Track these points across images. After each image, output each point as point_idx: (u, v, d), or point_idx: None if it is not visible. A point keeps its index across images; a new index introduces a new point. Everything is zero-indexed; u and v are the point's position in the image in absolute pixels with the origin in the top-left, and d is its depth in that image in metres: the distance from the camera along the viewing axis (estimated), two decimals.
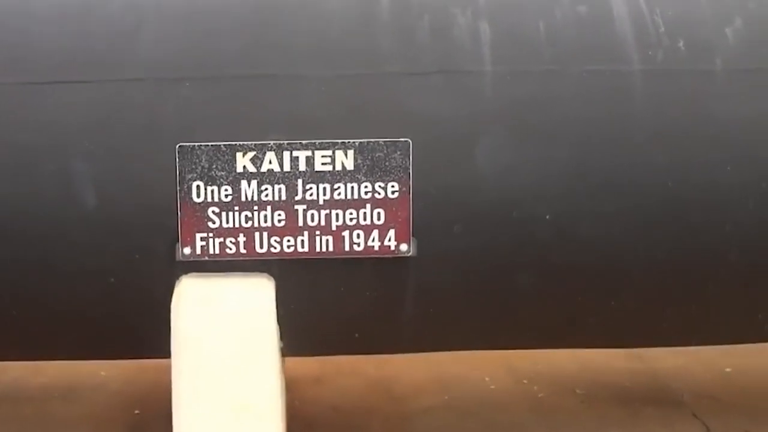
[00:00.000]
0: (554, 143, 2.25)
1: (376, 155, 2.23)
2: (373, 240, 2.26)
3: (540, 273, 2.33)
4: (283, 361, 2.85)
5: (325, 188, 2.23)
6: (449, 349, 2.98)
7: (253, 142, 2.20)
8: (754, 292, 2.46)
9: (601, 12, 2.36)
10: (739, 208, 2.30)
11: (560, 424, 3.57)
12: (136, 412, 3.58)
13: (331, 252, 2.25)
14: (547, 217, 2.26)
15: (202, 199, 2.22)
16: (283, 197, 2.23)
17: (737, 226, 2.31)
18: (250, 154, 2.21)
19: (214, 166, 2.21)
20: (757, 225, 2.31)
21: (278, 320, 2.39)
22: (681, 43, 2.32)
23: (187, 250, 2.23)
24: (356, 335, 2.53)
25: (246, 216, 2.23)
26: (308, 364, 4.19)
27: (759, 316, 2.55)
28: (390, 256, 2.26)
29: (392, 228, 2.25)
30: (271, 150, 2.21)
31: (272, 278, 2.30)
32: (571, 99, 2.27)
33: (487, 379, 4.10)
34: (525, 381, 4.06)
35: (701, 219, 2.29)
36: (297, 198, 2.23)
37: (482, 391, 3.97)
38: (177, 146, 2.19)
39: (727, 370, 4.18)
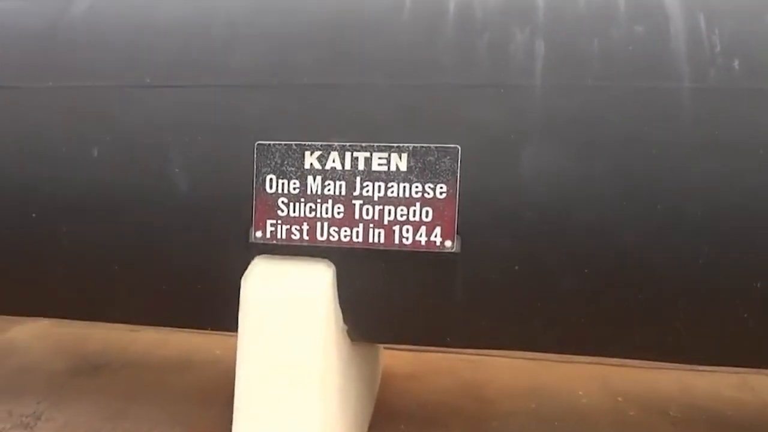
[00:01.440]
0: (597, 155, 2.35)
1: (428, 159, 2.45)
2: (420, 235, 2.47)
3: (578, 277, 2.43)
4: (376, 351, 3.12)
5: (380, 186, 2.48)
6: (495, 348, 3.10)
7: (320, 143, 2.50)
8: None
9: (657, 30, 2.43)
10: None
11: None
12: None
13: (382, 244, 2.50)
14: (587, 224, 2.37)
15: (273, 190, 2.54)
16: (343, 192, 2.51)
17: None
18: (317, 153, 2.51)
19: (285, 162, 2.53)
20: None
21: (340, 304, 2.68)
22: (736, 63, 2.34)
23: (258, 234, 2.56)
24: (407, 326, 2.74)
25: (310, 207, 2.53)
26: (406, 362, 4.46)
27: None
28: (436, 251, 2.47)
29: (439, 225, 2.46)
30: (335, 150, 2.50)
31: (332, 264, 2.58)
32: (618, 114, 2.36)
33: (580, 392, 4.15)
34: (619, 398, 4.07)
35: (742, 237, 2.29)
36: (355, 194, 2.50)
37: (571, 402, 4.02)
38: (256, 144, 2.53)
39: None
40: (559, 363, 4.44)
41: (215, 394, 3.84)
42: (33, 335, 4.78)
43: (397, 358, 4.48)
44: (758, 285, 2.32)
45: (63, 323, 4.81)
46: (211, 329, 2.97)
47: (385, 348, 4.42)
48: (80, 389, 3.96)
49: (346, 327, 2.81)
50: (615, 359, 4.25)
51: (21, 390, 3.90)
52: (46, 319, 4.78)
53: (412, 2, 2.65)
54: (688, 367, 4.33)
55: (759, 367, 2.93)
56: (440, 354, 4.55)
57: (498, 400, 4.04)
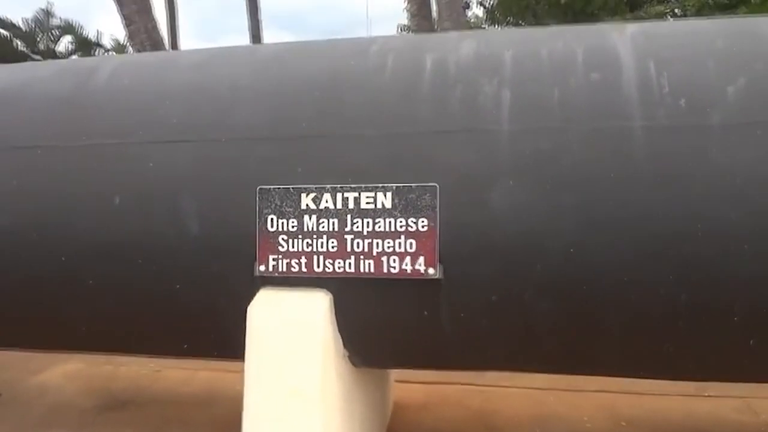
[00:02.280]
0: (561, 190, 2.63)
1: (410, 197, 2.75)
2: (406, 264, 2.76)
3: (551, 298, 2.68)
4: (385, 381, 3.35)
5: (368, 222, 2.79)
6: (483, 369, 3.34)
7: (314, 186, 2.82)
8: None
9: (611, 76, 2.73)
10: (737, 246, 2.52)
11: None
12: None
13: (372, 273, 2.78)
14: (556, 252, 2.63)
15: (274, 228, 2.85)
16: (336, 228, 2.81)
17: (737, 262, 2.52)
18: (312, 195, 2.82)
19: (284, 204, 2.84)
20: (757, 262, 2.51)
21: (339, 330, 2.96)
22: (682, 101, 2.62)
23: (262, 268, 2.87)
24: (401, 349, 3.00)
25: (307, 242, 2.84)
26: (418, 393, 4.69)
27: None
28: (420, 278, 2.75)
29: (422, 255, 2.74)
30: (327, 192, 2.81)
31: (329, 293, 2.87)
32: (577, 152, 2.64)
33: (585, 418, 4.36)
34: (623, 423, 4.26)
35: (697, 259, 2.54)
36: (346, 229, 2.80)
37: (576, 428, 4.23)
38: (258, 188, 2.85)
39: None
40: (568, 392, 4.65)
41: (235, 426, 4.10)
42: (65, 376, 5.11)
43: (409, 390, 4.71)
44: (718, 304, 2.55)
45: (93, 364, 5.15)
46: (224, 358, 3.24)
47: (397, 381, 4.68)
48: (109, 424, 4.26)
49: (346, 352, 3.09)
50: (622, 388, 4.51)
51: (54, 425, 4.21)
52: (77, 360, 5.12)
53: (393, 62, 2.99)
54: (693, 392, 4.52)
55: (720, 380, 3.13)
56: (451, 385, 4.78)
57: (506, 427, 4.25)
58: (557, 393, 4.58)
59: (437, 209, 2.72)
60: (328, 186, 2.81)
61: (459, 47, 3.00)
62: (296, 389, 2.81)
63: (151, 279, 2.96)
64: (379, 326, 2.93)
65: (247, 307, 2.86)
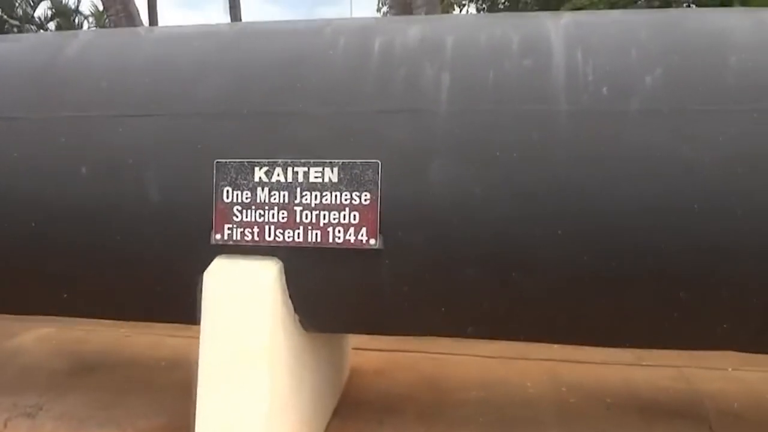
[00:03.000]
0: (492, 166, 2.86)
1: (354, 172, 2.96)
2: (350, 235, 2.98)
3: (483, 267, 2.92)
4: (341, 348, 3.59)
5: (316, 195, 3.00)
6: (422, 334, 3.59)
7: (267, 160, 3.02)
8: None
9: (542, 63, 2.95)
10: (651, 220, 2.76)
11: (574, 424, 4.04)
12: None
13: (319, 242, 3.01)
14: (487, 224, 2.87)
15: (230, 200, 3.06)
16: (286, 201, 3.03)
17: (650, 235, 2.77)
18: (264, 169, 3.03)
19: (239, 177, 3.05)
20: (668, 235, 2.76)
21: (291, 296, 3.19)
22: (604, 89, 2.85)
23: (218, 237, 3.08)
24: (347, 314, 3.24)
25: (259, 213, 3.05)
26: (374, 360, 4.95)
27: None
28: (362, 247, 2.97)
29: (364, 227, 2.97)
30: (279, 166, 3.02)
31: (279, 261, 3.09)
32: (507, 132, 2.86)
33: (528, 383, 4.64)
34: (564, 388, 4.55)
35: (615, 235, 2.78)
36: (296, 202, 3.02)
37: (519, 392, 4.51)
38: (215, 162, 3.05)
39: None
40: (515, 360, 4.93)
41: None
42: (37, 339, 5.32)
43: (366, 357, 4.97)
44: (632, 273, 2.80)
45: (65, 329, 5.35)
46: (183, 322, 3.45)
47: (355, 348, 4.93)
48: (77, 385, 4.47)
49: (297, 317, 3.31)
50: (567, 356, 4.79)
51: (25, 386, 4.42)
52: (50, 325, 5.32)
53: (345, 43, 3.19)
54: (632, 361, 4.81)
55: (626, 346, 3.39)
56: (406, 353, 5.04)
57: (453, 390, 4.52)
58: (505, 360, 4.86)
59: (379, 184, 2.94)
60: (280, 160, 3.02)
61: (406, 31, 3.21)
62: (246, 351, 3.04)
63: (116, 245, 3.16)
64: (327, 293, 3.16)
65: (203, 274, 3.08)
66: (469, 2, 17.16)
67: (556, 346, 4.58)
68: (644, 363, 4.76)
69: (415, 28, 3.23)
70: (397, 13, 9.70)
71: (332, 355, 4.16)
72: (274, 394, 3.14)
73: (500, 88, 2.94)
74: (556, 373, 4.69)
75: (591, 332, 3.12)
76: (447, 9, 16.61)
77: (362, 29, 3.29)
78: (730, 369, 4.67)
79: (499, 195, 2.85)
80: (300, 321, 3.34)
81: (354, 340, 4.85)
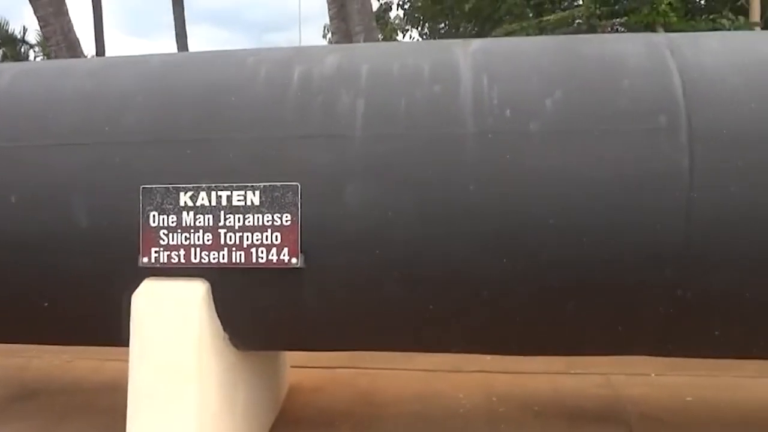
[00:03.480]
0: (405, 187, 3.02)
1: (275, 194, 3.11)
2: (272, 255, 3.12)
3: (401, 282, 3.08)
4: (277, 365, 3.71)
5: (239, 218, 3.14)
6: (345, 349, 3.73)
7: (192, 185, 3.15)
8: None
9: (450, 88, 3.13)
10: (551, 235, 2.95)
11: (497, 429, 4.20)
12: None
13: (243, 263, 3.14)
14: (403, 243, 3.03)
15: (156, 224, 3.18)
16: (211, 223, 3.16)
17: (551, 248, 2.96)
18: (189, 193, 3.16)
19: (165, 201, 3.17)
20: (568, 248, 2.95)
21: (219, 315, 3.30)
22: (507, 111, 3.04)
23: (145, 260, 3.19)
24: (273, 332, 3.36)
25: (185, 236, 3.17)
26: (313, 377, 5.06)
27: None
28: (285, 267, 3.11)
29: (286, 247, 3.10)
30: (203, 191, 3.15)
31: (206, 282, 3.20)
32: (419, 155, 3.04)
33: (461, 395, 4.80)
34: (494, 398, 4.71)
35: (521, 247, 2.96)
36: (220, 224, 3.15)
37: (452, 404, 4.66)
38: (141, 187, 3.17)
39: (688, 399, 4.61)
40: (450, 373, 5.08)
41: None
42: None
43: (306, 374, 5.08)
44: (536, 285, 2.99)
45: (6, 355, 5.36)
46: (113, 344, 3.54)
47: (295, 366, 5.04)
48: (18, 412, 4.50)
49: (227, 336, 3.43)
50: (500, 368, 4.97)
51: None
52: None
53: (266, 73, 3.34)
54: (562, 370, 5.00)
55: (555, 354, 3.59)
56: (345, 369, 5.16)
57: (387, 404, 4.66)
58: (440, 374, 5.01)
59: (299, 206, 3.09)
60: (204, 185, 3.15)
61: (324, 60, 3.37)
62: (174, 370, 3.15)
63: (46, 271, 3.25)
64: (253, 311, 3.28)
65: (131, 296, 3.19)
66: (411, 28, 17.60)
67: (489, 358, 4.75)
68: (573, 371, 4.94)
69: (333, 57, 3.40)
70: (339, 40, 9.96)
71: (268, 372, 4.27)
72: (204, 412, 3.24)
73: (412, 113, 3.11)
74: (488, 384, 4.85)
75: (506, 342, 3.29)
76: (390, 35, 17.03)
77: (283, 59, 3.45)
78: (653, 374, 4.88)
79: (412, 214, 3.02)
80: (230, 339, 3.46)
81: (294, 358, 4.97)
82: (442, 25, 16.86)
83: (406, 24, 17.99)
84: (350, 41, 9.26)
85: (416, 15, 17.07)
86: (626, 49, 3.21)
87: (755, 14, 12.31)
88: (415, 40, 17.80)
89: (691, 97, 2.97)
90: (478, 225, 2.98)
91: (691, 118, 2.92)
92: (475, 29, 14.27)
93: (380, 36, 17.75)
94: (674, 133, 2.92)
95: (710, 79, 3.02)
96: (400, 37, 18.16)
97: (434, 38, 16.40)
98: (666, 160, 2.91)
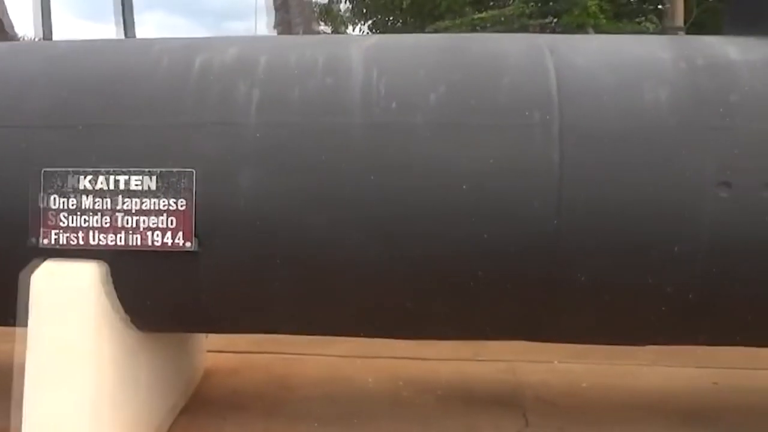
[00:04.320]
0: (295, 174, 3.16)
1: (171, 180, 3.22)
2: (167, 238, 3.24)
3: (291, 266, 3.22)
4: (189, 348, 3.82)
5: (136, 202, 3.25)
6: (238, 332, 3.87)
7: (91, 169, 3.25)
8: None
9: (342, 80, 3.28)
10: (430, 222, 3.12)
11: (404, 415, 4.40)
12: None
13: (139, 245, 3.25)
14: (292, 226, 3.17)
15: (57, 206, 3.27)
16: (109, 207, 3.26)
17: (433, 236, 3.13)
18: (89, 177, 3.25)
19: (65, 185, 3.26)
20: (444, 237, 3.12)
21: (118, 297, 3.41)
22: (393, 104, 3.20)
23: (45, 241, 3.28)
24: (172, 314, 3.48)
25: (84, 219, 3.27)
26: (229, 361, 5.19)
27: None
28: (180, 250, 3.23)
29: (181, 230, 3.22)
30: (102, 175, 3.25)
31: (104, 263, 3.31)
32: (309, 143, 3.18)
33: (370, 379, 4.99)
34: (401, 383, 4.91)
35: (403, 231, 3.13)
36: (118, 208, 3.26)
37: (360, 387, 4.86)
38: (42, 171, 3.26)
39: (584, 385, 4.84)
40: (361, 358, 5.26)
41: None
42: None
43: (222, 358, 5.21)
44: (421, 272, 3.16)
45: None
46: (15, 325, 3.62)
47: (212, 351, 5.17)
48: None
49: (128, 317, 3.54)
50: (410, 354, 5.15)
51: None
52: None
53: (168, 60, 3.45)
54: (469, 356, 5.20)
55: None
56: (262, 354, 5.30)
57: (299, 387, 4.84)
58: (353, 359, 5.19)
59: (194, 191, 3.21)
60: (103, 169, 3.25)
61: (225, 51, 3.49)
62: (72, 350, 3.25)
63: None
64: (151, 293, 3.40)
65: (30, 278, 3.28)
66: (360, 22, 17.79)
67: (402, 345, 4.92)
68: (479, 358, 5.16)
69: (235, 47, 3.52)
70: (282, 31, 10.09)
71: (179, 355, 4.39)
72: (100, 392, 3.35)
73: (305, 103, 3.25)
74: (396, 369, 5.05)
75: (395, 324, 3.46)
76: (339, 27, 17.18)
77: (186, 48, 3.56)
78: (556, 362, 5.11)
79: (302, 200, 3.16)
80: (131, 321, 3.57)
81: (211, 343, 5.09)
82: (390, 19, 17.08)
83: (354, 17, 18.19)
84: (291, 32, 9.40)
85: (362, 9, 17.28)
86: (509, 48, 3.39)
87: (678, 19, 12.76)
88: (364, 33, 18.02)
89: (564, 94, 3.16)
90: (363, 212, 3.14)
91: (563, 114, 3.12)
92: (417, 24, 14.53)
93: (328, 28, 17.95)
94: (547, 129, 3.10)
95: (583, 78, 3.21)
96: (349, 30, 18.38)
97: (383, 32, 16.64)
98: (539, 154, 3.09)
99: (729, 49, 3.38)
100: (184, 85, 3.36)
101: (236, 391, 4.72)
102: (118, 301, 3.42)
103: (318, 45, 3.53)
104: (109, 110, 3.33)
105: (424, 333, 3.65)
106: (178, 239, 3.23)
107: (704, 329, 3.43)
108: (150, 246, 3.24)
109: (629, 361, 5.04)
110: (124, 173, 3.24)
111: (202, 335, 4.91)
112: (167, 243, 3.24)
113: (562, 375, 4.95)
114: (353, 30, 18.40)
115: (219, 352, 5.18)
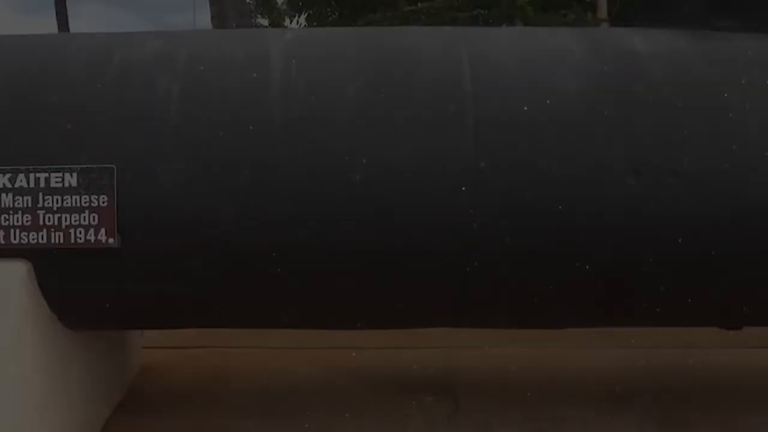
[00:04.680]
0: (216, 169, 3.21)
1: (92, 176, 3.23)
2: (90, 235, 3.24)
3: (215, 261, 3.26)
4: (122, 345, 3.89)
5: (58, 199, 3.24)
6: (167, 327, 3.92)
7: (10, 167, 3.23)
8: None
9: (261, 75, 3.33)
10: (352, 211, 3.21)
11: (335, 404, 4.46)
12: None
13: (62, 243, 3.25)
14: (213, 218, 3.21)
15: None
16: (30, 205, 3.25)
17: (357, 227, 3.21)
18: (8, 175, 3.24)
19: None
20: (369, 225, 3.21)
21: (44, 295, 3.40)
22: (313, 98, 3.27)
23: None
24: (100, 311, 3.49)
25: (5, 218, 3.25)
26: (167, 357, 5.19)
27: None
28: (103, 247, 3.24)
29: (103, 227, 3.24)
30: (21, 173, 3.23)
31: (27, 262, 3.30)
32: (227, 138, 3.22)
33: (304, 370, 5.04)
34: (334, 373, 4.98)
35: (320, 220, 3.21)
36: (39, 206, 3.25)
37: (294, 379, 4.91)
38: None
39: (513, 369, 4.97)
40: (297, 350, 5.30)
41: None
42: None
43: (159, 354, 5.20)
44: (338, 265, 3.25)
45: None
46: None
47: (149, 347, 5.17)
48: None
49: (55, 315, 3.53)
50: (347, 344, 5.22)
51: None
52: None
53: (87, 58, 3.45)
54: (402, 344, 5.28)
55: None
56: (198, 348, 5.31)
57: (235, 380, 4.88)
58: (288, 351, 5.24)
59: (115, 187, 3.22)
60: (22, 167, 3.23)
61: (145, 46, 3.51)
62: None
63: None
64: (77, 291, 3.40)
65: None
66: (299, 15, 17.77)
67: (339, 335, 5.00)
68: (413, 346, 5.24)
69: (155, 42, 3.54)
70: (217, 25, 10.07)
71: (112, 352, 4.38)
72: (27, 392, 3.33)
73: (226, 98, 3.30)
74: (331, 359, 5.11)
75: (328, 316, 3.54)
76: (277, 20, 17.13)
77: (105, 44, 3.57)
78: (486, 347, 5.24)
79: (223, 194, 3.21)
80: (60, 319, 3.56)
81: (148, 338, 5.09)
82: (327, 10, 17.11)
83: (292, 9, 18.13)
84: (226, 26, 9.37)
85: (298, 1, 17.25)
86: (425, 41, 3.49)
87: (602, 11, 13.06)
88: (302, 25, 17.99)
89: (477, 86, 3.26)
90: (284, 205, 3.20)
91: (476, 105, 3.22)
92: (351, 16, 14.61)
93: (266, 21, 17.88)
94: (461, 119, 3.21)
95: (495, 70, 3.33)
96: (287, 22, 18.28)
97: (320, 25, 16.63)
98: (454, 144, 3.20)
99: (635, 39, 3.53)
100: (102, 81, 3.36)
101: (173, 388, 4.74)
102: (43, 299, 3.42)
103: (238, 40, 3.58)
104: (27, 107, 3.32)
105: (340, 323, 3.73)
106: (101, 236, 3.24)
107: (618, 312, 3.59)
108: (73, 243, 3.24)
109: (558, 345, 5.19)
110: (44, 171, 3.23)
111: (137, 332, 4.91)
112: (90, 240, 3.24)
113: (493, 360, 5.07)
114: (290, 23, 18.38)
115: (155, 347, 5.18)
